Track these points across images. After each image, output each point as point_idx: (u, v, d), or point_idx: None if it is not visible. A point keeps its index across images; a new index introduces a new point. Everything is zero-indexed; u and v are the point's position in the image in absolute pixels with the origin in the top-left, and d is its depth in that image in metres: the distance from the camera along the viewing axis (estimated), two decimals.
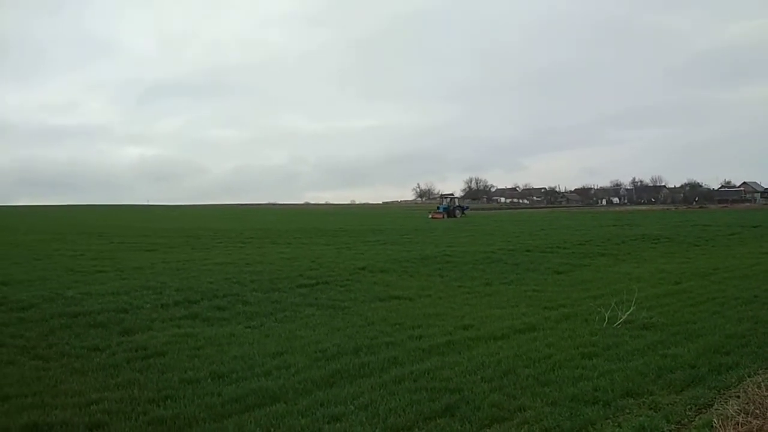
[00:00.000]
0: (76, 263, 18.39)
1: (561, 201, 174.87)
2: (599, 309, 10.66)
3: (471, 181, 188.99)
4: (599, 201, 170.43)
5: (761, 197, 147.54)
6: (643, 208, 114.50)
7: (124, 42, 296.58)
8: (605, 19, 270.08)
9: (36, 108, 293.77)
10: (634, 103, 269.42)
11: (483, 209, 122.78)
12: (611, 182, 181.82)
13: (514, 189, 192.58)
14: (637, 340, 9.13)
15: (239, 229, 41.18)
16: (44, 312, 10.97)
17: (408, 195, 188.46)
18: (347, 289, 14.54)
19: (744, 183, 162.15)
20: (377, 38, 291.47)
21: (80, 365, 8.13)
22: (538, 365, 7.88)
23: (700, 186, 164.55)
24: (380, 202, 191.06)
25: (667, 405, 6.40)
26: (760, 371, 7.40)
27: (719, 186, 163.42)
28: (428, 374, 7.57)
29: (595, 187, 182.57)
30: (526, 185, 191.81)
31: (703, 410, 6.26)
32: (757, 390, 6.26)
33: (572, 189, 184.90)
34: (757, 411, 5.77)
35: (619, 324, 9.93)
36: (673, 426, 5.91)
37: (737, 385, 6.93)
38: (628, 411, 6.31)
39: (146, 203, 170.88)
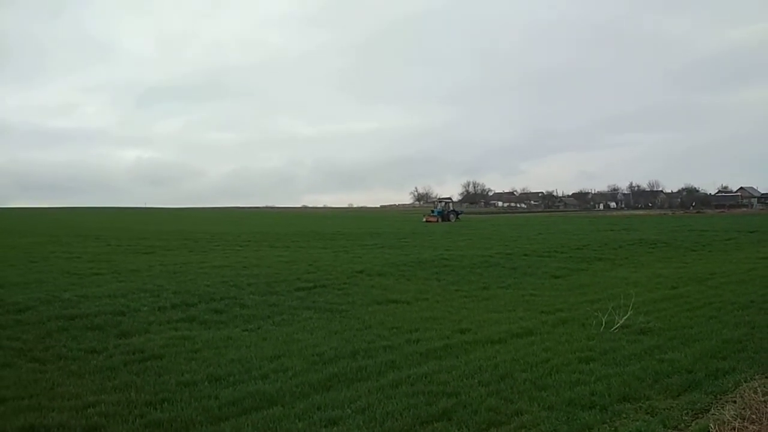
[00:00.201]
0: (72, 266, 18.35)
1: (558, 205, 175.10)
2: (596, 313, 10.67)
3: (469, 185, 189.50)
4: (596, 205, 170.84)
5: (758, 202, 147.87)
6: (641, 212, 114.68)
7: (122, 45, 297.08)
8: (604, 23, 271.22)
9: (34, 110, 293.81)
10: (631, 107, 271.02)
11: (481, 213, 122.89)
12: (608, 187, 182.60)
13: (511, 193, 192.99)
14: (634, 344, 9.14)
15: (237, 232, 41.17)
16: (41, 314, 10.94)
17: (406, 198, 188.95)
18: (345, 292, 14.54)
19: (741, 188, 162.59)
20: (376, 40, 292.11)
21: (77, 368, 8.11)
22: (535, 369, 7.88)
23: (697, 191, 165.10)
24: (378, 206, 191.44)
25: (664, 410, 6.41)
26: (757, 376, 7.41)
27: (716, 191, 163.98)
28: (425, 378, 7.57)
29: (593, 192, 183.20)
30: (523, 189, 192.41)
31: (700, 415, 6.27)
32: (753, 395, 6.27)
33: (569, 193, 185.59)
34: (754, 416, 5.78)
35: (616, 328, 9.93)
36: (669, 431, 5.92)
37: (734, 390, 6.94)
38: (624, 416, 6.31)
39: (144, 206, 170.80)
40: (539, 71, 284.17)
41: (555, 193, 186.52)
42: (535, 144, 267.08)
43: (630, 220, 64.46)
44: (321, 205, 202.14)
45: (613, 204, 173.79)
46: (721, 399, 6.71)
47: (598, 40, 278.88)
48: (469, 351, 8.96)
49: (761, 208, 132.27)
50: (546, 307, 12.77)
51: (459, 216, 70.64)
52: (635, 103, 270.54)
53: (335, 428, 6.01)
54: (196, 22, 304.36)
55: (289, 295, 13.87)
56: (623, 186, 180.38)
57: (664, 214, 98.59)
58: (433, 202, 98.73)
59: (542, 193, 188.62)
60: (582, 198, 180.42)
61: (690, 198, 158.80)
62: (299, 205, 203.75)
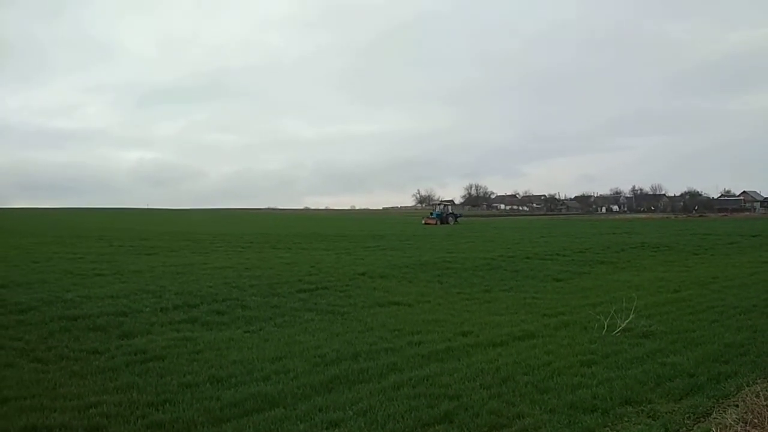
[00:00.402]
0: (75, 266, 18.39)
1: (561, 208, 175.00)
2: (598, 317, 10.66)
3: (471, 188, 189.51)
4: (599, 209, 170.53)
5: (761, 206, 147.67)
6: (643, 216, 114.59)
7: (123, 45, 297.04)
8: (607, 25, 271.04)
9: (36, 110, 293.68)
10: (634, 110, 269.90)
11: (483, 216, 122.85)
12: (611, 190, 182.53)
13: (513, 196, 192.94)
14: (636, 348, 9.13)
15: (239, 233, 41.21)
16: (43, 315, 10.97)
17: (408, 201, 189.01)
18: (346, 294, 14.55)
19: (744, 192, 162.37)
20: (377, 42, 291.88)
21: (79, 368, 8.12)
22: (536, 372, 7.88)
23: (700, 195, 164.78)
24: (380, 208, 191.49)
25: (666, 413, 6.40)
26: (759, 381, 7.40)
27: (719, 195, 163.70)
28: (427, 380, 7.57)
29: (595, 195, 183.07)
30: (525, 192, 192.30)
31: (702, 419, 6.26)
32: (755, 399, 6.27)
33: (572, 196, 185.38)
34: (756, 420, 5.78)
35: (618, 332, 9.93)
36: None
37: (736, 394, 6.93)
38: (626, 419, 6.31)
39: (146, 207, 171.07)
40: (541, 73, 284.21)
41: (557, 196, 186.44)
42: (537, 147, 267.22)
43: (632, 223, 64.44)
44: (323, 207, 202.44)
45: (615, 207, 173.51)
46: (723, 403, 6.69)
47: (600, 42, 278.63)
48: (470, 354, 8.96)
49: (764, 212, 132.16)
50: (548, 310, 12.76)
51: (458, 219, 70.86)
52: (638, 106, 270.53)
53: (337, 430, 6.02)
54: (198, 23, 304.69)
55: (291, 296, 13.89)
56: (626, 189, 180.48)
57: (667, 217, 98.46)
58: (434, 204, 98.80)
59: (544, 196, 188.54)
60: (584, 201, 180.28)
61: (693, 202, 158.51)
62: (301, 207, 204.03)
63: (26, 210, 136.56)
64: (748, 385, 7.16)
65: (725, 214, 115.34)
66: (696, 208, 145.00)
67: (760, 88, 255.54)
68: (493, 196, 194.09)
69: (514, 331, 10.43)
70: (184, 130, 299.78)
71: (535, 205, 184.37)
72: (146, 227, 51.03)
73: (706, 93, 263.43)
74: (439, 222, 65.16)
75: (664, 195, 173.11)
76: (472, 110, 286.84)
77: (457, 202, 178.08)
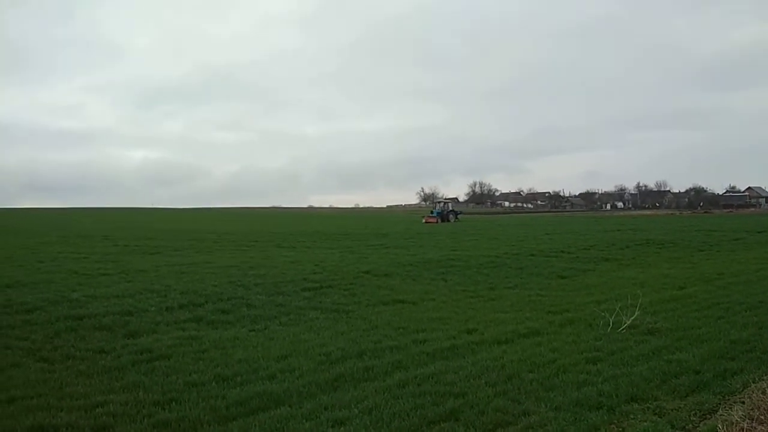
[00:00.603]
0: (80, 266, 18.44)
1: (565, 205, 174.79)
2: (603, 314, 10.63)
3: (475, 185, 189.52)
4: (603, 205, 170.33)
5: (766, 202, 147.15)
6: (648, 212, 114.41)
7: (128, 45, 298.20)
8: (611, 21, 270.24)
9: (41, 110, 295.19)
10: (638, 106, 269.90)
11: (487, 213, 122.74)
12: (616, 187, 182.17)
13: (518, 193, 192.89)
14: (641, 345, 9.11)
15: (243, 232, 41.29)
16: (49, 314, 11.01)
17: (412, 199, 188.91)
18: (351, 292, 14.56)
19: (749, 188, 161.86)
20: (383, 38, 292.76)
21: (85, 368, 8.15)
22: (542, 370, 7.87)
23: (705, 191, 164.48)
24: (384, 206, 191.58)
25: (672, 410, 6.39)
26: (765, 377, 7.37)
27: (724, 191, 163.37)
28: (432, 378, 7.57)
29: (600, 192, 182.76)
30: (530, 189, 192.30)
31: (708, 416, 6.25)
32: (762, 396, 6.25)
33: (576, 193, 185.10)
34: (762, 417, 5.76)
35: (623, 329, 9.90)
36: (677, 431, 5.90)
37: (742, 390, 6.91)
38: (632, 416, 6.30)
39: (150, 206, 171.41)
40: (546, 70, 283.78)
41: (561, 193, 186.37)
42: (541, 144, 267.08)
43: (637, 220, 64.28)
44: (327, 206, 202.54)
45: (620, 204, 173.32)
46: (729, 400, 6.68)
47: (606, 38, 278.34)
48: (475, 351, 8.95)
49: None
50: (553, 307, 12.75)
51: (458, 216, 70.82)
52: (642, 103, 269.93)
53: (342, 428, 6.02)
54: (202, 22, 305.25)
55: (295, 295, 13.90)
56: (630, 186, 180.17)
57: (672, 214, 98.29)
58: (436, 203, 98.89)
59: (549, 193, 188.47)
60: (589, 198, 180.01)
61: (698, 198, 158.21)
62: (305, 205, 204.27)
63: (32, 210, 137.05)
64: (754, 382, 7.14)
65: (730, 210, 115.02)
66: (701, 204, 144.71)
67: (766, 84, 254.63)
68: (497, 194, 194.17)
69: (519, 329, 10.42)
70: (189, 129, 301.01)
71: (539, 202, 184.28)
72: (151, 226, 51.16)
73: (713, 89, 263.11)
74: (439, 220, 65.24)
75: (669, 191, 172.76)
76: (477, 107, 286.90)
77: (461, 199, 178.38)
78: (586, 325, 10.59)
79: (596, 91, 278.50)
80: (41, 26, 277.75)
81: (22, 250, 24.25)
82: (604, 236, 33.82)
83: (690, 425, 6.03)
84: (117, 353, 8.93)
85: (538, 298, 14.22)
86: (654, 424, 6.02)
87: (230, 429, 6.05)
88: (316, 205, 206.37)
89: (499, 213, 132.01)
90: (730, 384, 7.17)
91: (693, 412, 6.33)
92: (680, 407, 6.48)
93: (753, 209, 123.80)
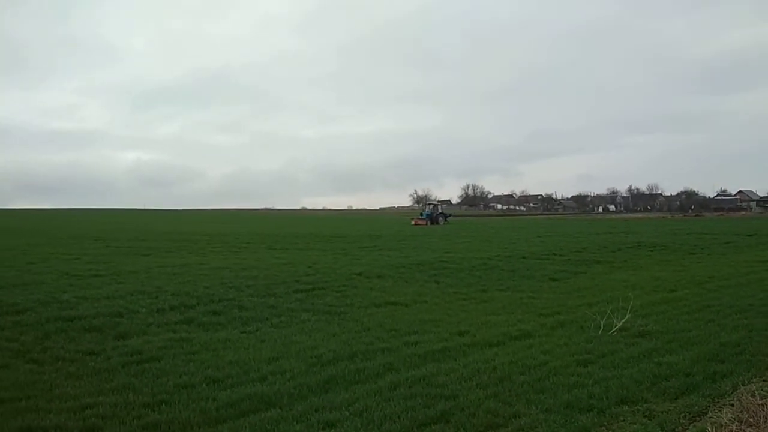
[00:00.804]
0: (71, 267, 18.35)
1: (557, 208, 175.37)
2: (595, 316, 10.68)
3: (468, 188, 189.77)
4: (595, 208, 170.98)
5: (757, 206, 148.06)
6: (639, 215, 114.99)
7: (122, 46, 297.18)
8: (604, 24, 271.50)
9: (34, 111, 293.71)
10: (630, 109, 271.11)
11: (480, 215, 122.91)
12: (608, 190, 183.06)
13: (510, 196, 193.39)
14: (632, 347, 9.14)
15: (236, 233, 41.17)
16: (39, 316, 10.94)
17: (405, 201, 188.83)
18: (343, 294, 14.54)
19: (740, 191, 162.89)
20: (376, 41, 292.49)
21: (75, 369, 8.11)
22: (533, 372, 7.89)
23: (696, 194, 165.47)
24: (377, 208, 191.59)
25: (662, 413, 6.41)
26: (755, 380, 7.42)
27: (715, 194, 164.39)
28: (424, 380, 7.57)
29: (592, 195, 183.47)
30: (522, 192, 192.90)
31: (698, 418, 6.27)
32: (751, 398, 6.28)
33: (569, 196, 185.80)
34: (751, 420, 5.79)
35: (614, 331, 9.94)
36: None
37: (731, 393, 6.95)
38: (622, 419, 6.32)
39: (143, 207, 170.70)
40: (537, 73, 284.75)
41: (554, 196, 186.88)
42: (534, 146, 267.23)
43: (629, 223, 64.55)
44: (320, 207, 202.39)
45: (612, 207, 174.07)
46: (718, 402, 6.71)
47: (597, 41, 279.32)
48: (467, 353, 8.96)
49: (760, 211, 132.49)
50: (544, 309, 12.77)
51: (447, 219, 70.81)
52: (634, 106, 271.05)
53: (333, 430, 6.01)
54: (196, 24, 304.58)
55: (287, 297, 13.87)
56: (622, 189, 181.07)
57: (663, 217, 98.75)
58: (426, 205, 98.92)
59: (541, 195, 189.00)
60: (581, 201, 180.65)
61: (689, 201, 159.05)
62: (298, 207, 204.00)
63: (24, 210, 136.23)
64: (743, 385, 7.18)
65: (721, 213, 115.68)
66: (692, 207, 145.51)
67: (759, 88, 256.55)
68: (490, 196, 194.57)
69: (510, 331, 10.44)
70: (182, 131, 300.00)
71: (531, 204, 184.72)
72: (143, 228, 50.94)
73: (705, 92, 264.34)
74: (429, 222, 65.18)
75: (661, 194, 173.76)
76: (472, 110, 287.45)
77: (454, 202, 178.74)
78: (578, 328, 10.62)
79: (589, 95, 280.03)
80: (37, 27, 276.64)
81: (12, 251, 24.12)
82: (596, 239, 33.92)
83: (680, 428, 6.06)
84: (107, 355, 8.89)
85: (529, 300, 14.25)
86: (644, 426, 6.04)
87: (220, 431, 6.04)
88: (310, 206, 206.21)
89: (491, 215, 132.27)
90: (720, 387, 7.20)
91: (683, 414, 6.35)
92: (670, 410, 6.50)
93: (744, 213, 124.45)
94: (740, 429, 5.62)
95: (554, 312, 12.43)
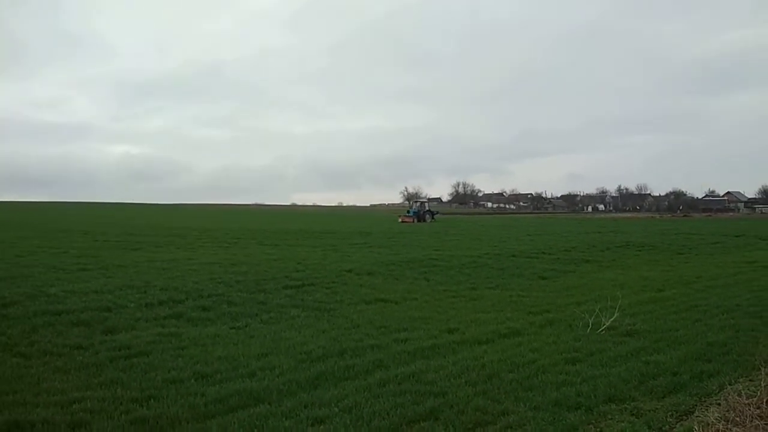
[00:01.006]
0: (59, 261, 18.22)
1: (547, 207, 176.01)
2: (583, 315, 10.73)
3: (458, 186, 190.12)
4: (585, 208, 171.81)
5: (744, 207, 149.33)
6: (628, 215, 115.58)
7: (112, 40, 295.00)
8: (594, 25, 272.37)
9: (22, 104, 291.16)
10: (620, 110, 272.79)
11: (470, 213, 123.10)
12: (597, 189, 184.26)
13: (501, 194, 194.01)
14: (620, 346, 9.19)
15: (225, 229, 41.02)
16: (26, 309, 10.86)
17: (395, 198, 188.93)
18: (333, 291, 14.53)
19: (728, 192, 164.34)
20: (368, 38, 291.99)
21: (62, 363, 8.06)
22: (521, 370, 7.92)
23: (685, 195, 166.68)
24: (367, 205, 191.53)
25: (649, 411, 6.46)
26: (741, 379, 7.48)
27: (703, 195, 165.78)
28: (413, 377, 7.58)
29: (581, 194, 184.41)
30: (512, 190, 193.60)
31: (684, 417, 6.32)
32: (737, 398, 6.33)
33: (558, 195, 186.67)
34: (738, 419, 5.84)
35: (602, 330, 9.99)
36: None
37: (718, 392, 7.00)
38: (610, 417, 6.36)
39: (131, 201, 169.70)
40: (529, 72, 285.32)
41: (544, 195, 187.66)
42: (524, 145, 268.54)
43: (618, 222, 64.85)
44: (310, 203, 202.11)
45: (601, 206, 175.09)
46: (705, 401, 6.76)
47: (588, 42, 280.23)
48: (456, 351, 8.98)
49: (747, 212, 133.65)
50: (533, 308, 12.82)
51: (435, 216, 70.87)
52: (624, 106, 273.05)
53: (322, 427, 6.01)
54: (188, 18, 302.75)
55: (277, 293, 13.84)
56: (611, 189, 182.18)
57: (652, 217, 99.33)
58: (413, 202, 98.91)
59: (531, 194, 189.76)
60: (570, 200, 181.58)
61: (677, 202, 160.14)
62: (288, 203, 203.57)
63: (11, 203, 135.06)
64: (730, 384, 7.24)
65: (709, 214, 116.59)
66: (680, 207, 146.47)
67: (747, 89, 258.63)
68: (480, 194, 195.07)
69: (499, 329, 10.47)
70: (172, 125, 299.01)
71: (521, 203, 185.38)
72: (131, 222, 50.65)
73: (692, 93, 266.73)
74: (416, 220, 65.19)
75: (650, 195, 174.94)
76: (462, 109, 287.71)
77: (444, 199, 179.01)
78: (566, 326, 10.66)
79: (580, 95, 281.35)
80: (29, 20, 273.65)
81: (0, 244, 23.91)
82: (585, 238, 34.06)
83: (667, 426, 6.10)
84: (95, 349, 8.83)
85: (519, 298, 14.29)
86: (631, 424, 6.08)
87: (209, 426, 6.01)
88: (300, 203, 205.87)
89: (481, 213, 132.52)
90: (707, 386, 7.26)
91: (670, 413, 6.40)
92: (657, 408, 6.55)
93: (731, 214, 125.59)
94: (727, 428, 5.66)
95: (543, 310, 12.48)
